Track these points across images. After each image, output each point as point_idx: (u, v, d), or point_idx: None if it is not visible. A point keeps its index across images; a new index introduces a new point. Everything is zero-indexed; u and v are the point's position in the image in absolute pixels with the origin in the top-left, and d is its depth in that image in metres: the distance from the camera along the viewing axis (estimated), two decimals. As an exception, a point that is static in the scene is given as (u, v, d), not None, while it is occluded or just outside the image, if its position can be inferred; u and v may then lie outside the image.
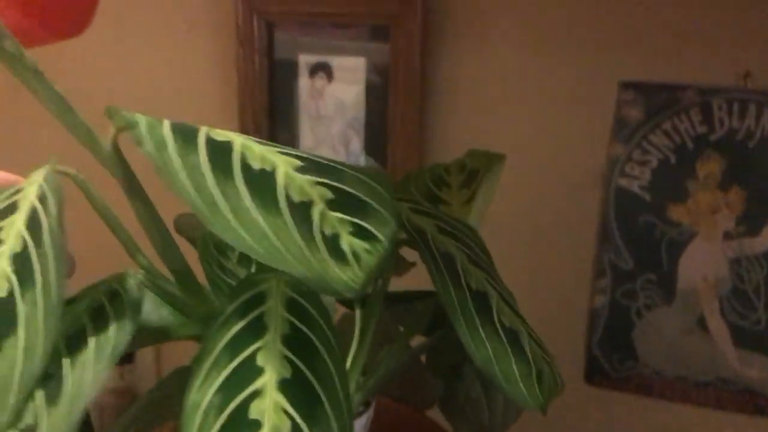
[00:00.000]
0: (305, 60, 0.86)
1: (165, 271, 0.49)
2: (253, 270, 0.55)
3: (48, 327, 0.39)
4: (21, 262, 0.40)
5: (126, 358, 1.06)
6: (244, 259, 0.55)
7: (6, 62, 0.41)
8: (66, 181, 0.47)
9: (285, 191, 0.36)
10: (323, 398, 0.38)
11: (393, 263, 0.57)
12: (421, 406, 0.66)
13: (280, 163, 0.38)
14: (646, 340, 0.82)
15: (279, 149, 0.39)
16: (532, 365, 0.43)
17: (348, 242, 0.35)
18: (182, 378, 0.49)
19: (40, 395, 0.39)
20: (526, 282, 0.84)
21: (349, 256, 0.34)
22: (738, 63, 0.74)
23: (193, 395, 0.37)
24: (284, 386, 0.37)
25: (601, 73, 0.78)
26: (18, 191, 0.44)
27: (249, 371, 0.38)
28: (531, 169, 0.82)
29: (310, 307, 0.41)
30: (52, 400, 0.39)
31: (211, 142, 0.38)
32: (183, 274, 0.48)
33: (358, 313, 0.57)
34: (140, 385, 1.10)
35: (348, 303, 0.59)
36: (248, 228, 0.35)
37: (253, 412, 0.36)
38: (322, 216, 0.36)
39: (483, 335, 0.42)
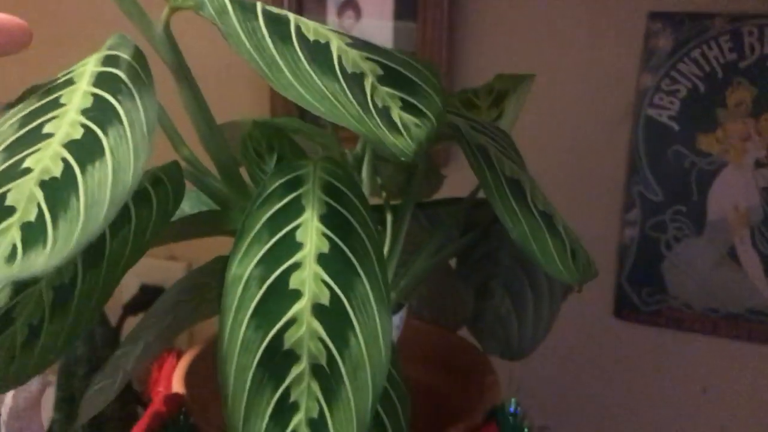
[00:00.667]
0: (333, -1, 0.87)
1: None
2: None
3: (138, 152, 0.38)
4: (97, 110, 0.39)
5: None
6: (280, 164, 0.56)
7: None
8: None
9: (339, 61, 0.38)
10: (360, 272, 0.39)
11: (424, 173, 0.58)
12: (453, 326, 0.67)
13: (333, 37, 0.40)
14: (676, 272, 0.82)
15: (330, 28, 0.41)
16: (566, 243, 0.44)
17: (398, 115, 0.37)
18: (218, 265, 0.50)
19: (78, 263, 0.41)
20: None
21: (400, 127, 0.36)
22: (769, -12, 0.73)
23: (234, 269, 0.39)
24: (323, 259, 0.38)
25: (629, 4, 0.78)
26: (70, 71, 0.45)
27: (289, 246, 0.39)
28: (560, 101, 0.82)
29: (346, 189, 0.42)
30: (92, 263, 0.41)
31: (266, 12, 0.40)
32: (227, 165, 0.50)
33: (389, 218, 0.58)
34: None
35: (379, 210, 0.60)
36: (308, 88, 0.37)
37: (293, 282, 0.38)
38: (374, 88, 0.38)
39: (519, 213, 0.43)
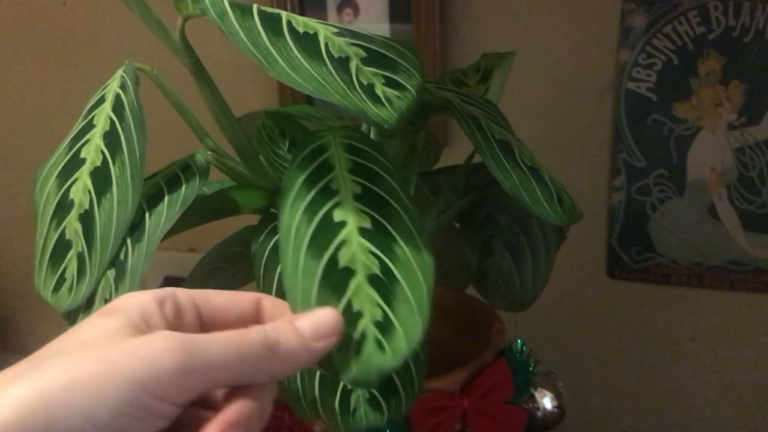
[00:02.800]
0: (333, -3, 0.94)
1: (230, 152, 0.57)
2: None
3: (134, 183, 0.49)
4: (110, 136, 0.50)
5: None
6: (292, 147, 0.63)
7: None
8: (143, 77, 0.56)
9: (326, 48, 0.45)
10: (394, 204, 0.45)
11: (423, 145, 0.65)
12: (460, 285, 0.73)
13: (320, 28, 0.47)
14: (662, 231, 0.89)
15: (318, 21, 0.48)
16: (552, 191, 0.52)
17: (381, 90, 0.43)
18: (248, 234, 0.57)
19: (128, 239, 0.49)
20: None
21: (383, 100, 0.42)
22: (731, -34, 0.80)
23: (285, 219, 0.44)
24: (358, 197, 0.44)
25: (605, -13, 0.85)
26: (106, 86, 0.54)
27: (326, 194, 0.45)
28: (546, 79, 0.89)
29: (365, 147, 0.49)
30: (137, 240, 0.49)
31: (262, 12, 0.47)
32: (245, 150, 0.57)
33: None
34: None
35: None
36: (299, 72, 0.43)
37: (337, 216, 0.43)
38: (358, 69, 0.44)
39: (509, 168, 0.50)
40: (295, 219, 0.44)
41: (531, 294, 0.68)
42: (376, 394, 0.46)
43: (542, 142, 0.91)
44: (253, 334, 0.33)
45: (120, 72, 0.54)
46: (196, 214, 0.59)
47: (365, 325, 0.40)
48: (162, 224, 0.50)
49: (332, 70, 0.43)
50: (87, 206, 0.49)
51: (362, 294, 0.41)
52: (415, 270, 0.42)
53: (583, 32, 0.87)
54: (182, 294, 0.36)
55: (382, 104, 0.42)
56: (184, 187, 0.52)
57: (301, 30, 0.46)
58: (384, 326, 0.40)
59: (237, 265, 0.59)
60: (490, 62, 0.70)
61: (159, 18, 0.52)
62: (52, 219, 0.50)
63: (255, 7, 0.47)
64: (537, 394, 0.74)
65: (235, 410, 0.32)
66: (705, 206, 0.87)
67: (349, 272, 0.41)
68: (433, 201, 0.63)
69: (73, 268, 0.49)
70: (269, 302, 0.38)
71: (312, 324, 0.35)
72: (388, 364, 0.39)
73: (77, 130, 0.52)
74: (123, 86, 0.52)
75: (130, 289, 0.48)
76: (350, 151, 0.48)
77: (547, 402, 0.74)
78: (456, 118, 0.52)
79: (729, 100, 0.83)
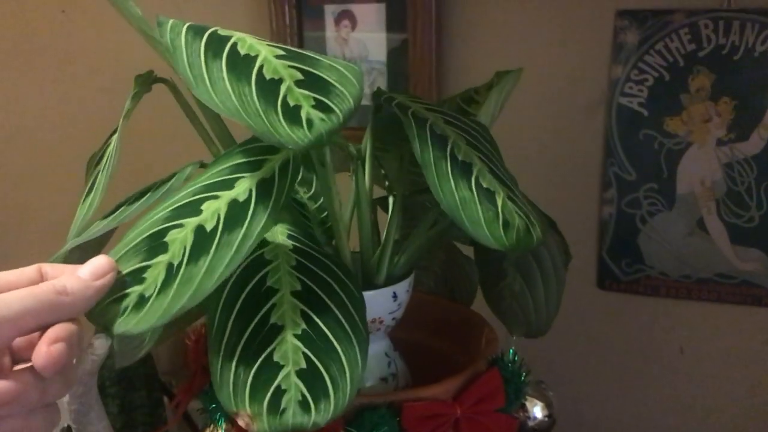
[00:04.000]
0: (331, 10, 0.95)
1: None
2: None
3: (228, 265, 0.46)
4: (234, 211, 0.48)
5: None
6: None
7: None
8: (161, 87, 0.57)
9: (258, 70, 0.46)
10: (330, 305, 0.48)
11: (409, 163, 0.66)
12: (466, 300, 0.75)
13: (264, 51, 0.48)
14: (651, 244, 0.90)
15: (272, 44, 0.49)
16: (499, 214, 0.51)
17: (306, 111, 0.43)
18: None
19: None
20: (540, 197, 0.93)
21: (303, 122, 0.43)
22: (721, -15, 0.82)
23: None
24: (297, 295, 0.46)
25: (599, 4, 0.87)
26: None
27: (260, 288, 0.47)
28: (540, 93, 0.91)
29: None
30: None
31: (213, 35, 0.49)
32: None
33: (390, 201, 0.67)
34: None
35: (383, 201, 0.68)
36: (218, 92, 0.45)
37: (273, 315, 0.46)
38: (289, 90, 0.45)
39: (453, 187, 0.51)
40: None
41: (546, 317, 0.69)
42: (308, 396, 0.45)
43: (534, 155, 0.93)
44: (43, 285, 0.40)
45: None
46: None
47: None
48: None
49: (253, 91, 0.44)
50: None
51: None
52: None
53: (576, 48, 0.88)
54: None
55: (300, 126, 0.43)
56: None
57: (243, 52, 0.47)
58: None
59: None
60: (500, 80, 0.71)
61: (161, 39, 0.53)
62: None
63: (210, 30, 0.49)
64: (528, 404, 0.75)
65: (57, 328, 0.39)
66: (694, 219, 0.88)
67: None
68: (424, 215, 0.64)
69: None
70: (50, 268, 0.43)
71: (90, 268, 0.42)
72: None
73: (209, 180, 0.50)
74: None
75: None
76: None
77: (537, 411, 0.75)
78: (410, 136, 0.52)
79: (719, 116, 0.85)
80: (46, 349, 0.38)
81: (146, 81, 0.56)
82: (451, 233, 0.70)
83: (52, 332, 0.39)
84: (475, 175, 0.52)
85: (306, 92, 0.44)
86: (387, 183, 0.69)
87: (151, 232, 0.46)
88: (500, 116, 0.71)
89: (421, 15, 0.91)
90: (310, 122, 0.43)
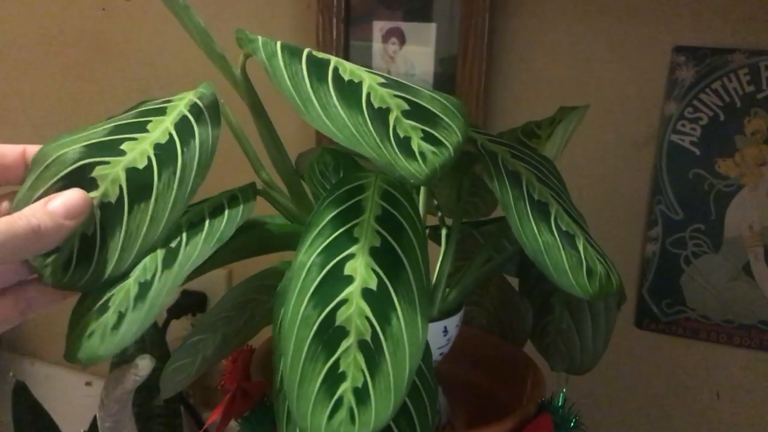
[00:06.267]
0: (379, 26, 0.94)
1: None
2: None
3: (174, 206, 0.48)
4: (164, 150, 0.48)
5: (199, 307, 1.15)
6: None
7: (165, 1, 0.50)
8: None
9: (367, 98, 0.45)
10: (406, 263, 0.46)
11: (468, 193, 0.64)
12: (519, 341, 0.73)
13: (366, 77, 0.46)
14: (694, 286, 0.88)
15: (367, 70, 0.48)
16: (583, 260, 0.50)
17: (417, 144, 0.42)
18: (262, 280, 0.57)
19: (160, 257, 0.48)
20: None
21: (417, 155, 0.42)
22: (784, 27, 0.80)
23: (300, 257, 0.46)
24: (374, 252, 0.46)
25: (655, 38, 0.85)
26: (169, 101, 0.53)
27: (346, 240, 0.46)
28: (591, 126, 0.89)
29: (400, 196, 0.49)
30: (167, 264, 0.48)
31: (310, 57, 0.47)
32: (293, 182, 0.56)
33: (443, 233, 0.65)
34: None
35: (434, 231, 0.66)
36: (333, 120, 0.43)
37: (348, 269, 0.45)
38: (397, 121, 0.44)
39: (536, 231, 0.49)
40: (310, 259, 0.45)
41: (592, 356, 0.68)
42: None
43: (582, 187, 0.91)
44: (19, 221, 0.40)
45: (192, 95, 0.52)
46: (232, 249, 0.58)
47: (345, 389, 0.42)
48: (193, 259, 0.49)
49: (368, 120, 0.43)
50: (113, 200, 0.47)
51: (350, 356, 0.43)
52: (404, 346, 0.43)
53: (630, 81, 0.87)
54: None
55: (415, 158, 0.42)
56: (225, 222, 0.51)
57: (346, 78, 0.46)
58: (361, 395, 0.42)
59: (252, 310, 0.58)
60: (563, 115, 0.70)
61: (222, 53, 0.51)
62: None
63: (306, 51, 0.47)
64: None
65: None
66: (740, 264, 0.86)
67: (342, 332, 0.43)
68: (479, 249, 0.62)
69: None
70: (32, 149, 0.45)
71: (64, 206, 0.42)
72: None
73: (122, 122, 0.50)
74: (195, 112, 0.51)
75: (146, 317, 0.47)
76: (385, 197, 0.48)
77: (578, 455, 0.73)
78: (488, 173, 0.51)
79: (773, 160, 0.83)
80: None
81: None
82: (503, 267, 0.68)
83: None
84: (553, 216, 0.51)
85: (414, 123, 0.43)
86: (439, 213, 0.67)
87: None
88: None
89: (472, 37, 0.90)
90: (423, 155, 0.41)
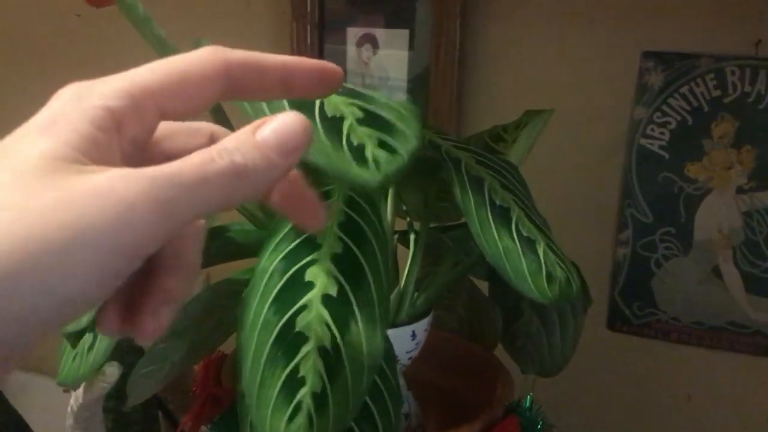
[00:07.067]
0: (353, 32, 0.94)
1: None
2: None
3: None
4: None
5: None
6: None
7: (125, 12, 0.50)
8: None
9: (320, 107, 0.45)
10: (367, 271, 0.47)
11: (435, 198, 0.65)
12: (489, 345, 0.73)
13: None
14: (665, 288, 0.89)
15: None
16: (542, 265, 0.50)
17: (371, 151, 0.42)
18: (225, 288, 0.58)
19: None
20: (554, 234, 0.92)
21: (370, 162, 0.42)
22: (749, 33, 0.81)
23: (263, 263, 0.47)
24: (335, 258, 0.46)
25: (624, 44, 0.86)
26: None
27: (308, 246, 0.47)
28: (561, 131, 0.89)
29: (364, 203, 0.49)
30: None
31: None
32: None
33: (411, 238, 0.65)
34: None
35: (403, 236, 0.67)
36: None
37: (309, 275, 0.46)
38: (352, 128, 0.44)
39: (496, 236, 0.50)
40: (272, 265, 0.46)
41: (561, 359, 0.68)
42: None
43: (552, 192, 0.92)
44: (219, 161, 0.27)
45: None
46: (210, 256, 0.58)
47: (304, 394, 0.43)
48: None
49: (320, 129, 0.43)
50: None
51: (310, 362, 0.44)
52: (362, 352, 0.44)
53: (600, 87, 0.88)
54: (143, 99, 0.30)
55: (367, 165, 0.41)
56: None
57: None
58: (319, 401, 0.43)
59: (220, 316, 0.58)
60: (529, 119, 0.70)
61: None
62: None
63: None
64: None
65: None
66: (710, 266, 0.87)
67: (302, 338, 0.44)
68: (447, 253, 0.63)
69: None
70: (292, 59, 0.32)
71: (276, 139, 0.29)
72: None
73: None
74: None
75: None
76: (349, 204, 0.49)
77: (549, 457, 0.73)
78: (450, 180, 0.51)
79: (740, 164, 0.84)
80: (152, 323, 0.29)
81: None
82: (473, 272, 0.69)
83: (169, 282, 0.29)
84: (514, 221, 0.51)
85: (369, 130, 0.43)
86: (408, 218, 0.68)
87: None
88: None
89: (444, 44, 0.90)
90: (377, 162, 0.41)
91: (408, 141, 0.43)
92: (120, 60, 1.19)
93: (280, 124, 0.29)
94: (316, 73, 0.32)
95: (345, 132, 0.43)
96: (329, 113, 0.44)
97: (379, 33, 0.94)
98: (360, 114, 0.44)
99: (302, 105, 0.44)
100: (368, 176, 0.41)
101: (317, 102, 0.45)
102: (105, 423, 0.99)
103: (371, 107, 0.45)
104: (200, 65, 0.30)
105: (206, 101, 0.30)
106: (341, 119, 0.44)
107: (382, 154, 0.42)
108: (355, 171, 0.41)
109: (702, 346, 0.89)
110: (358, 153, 0.42)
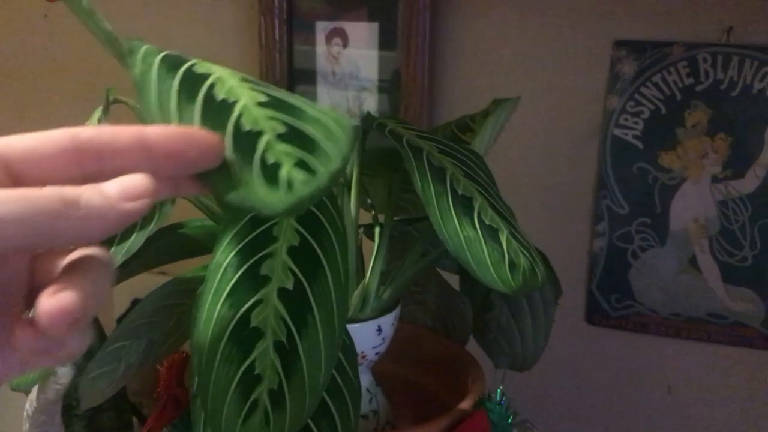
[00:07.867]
0: (322, 26, 0.93)
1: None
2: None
3: None
4: None
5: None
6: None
7: (69, 4, 0.48)
8: (124, 108, 0.54)
9: (236, 120, 0.39)
10: (324, 264, 0.45)
11: (398, 190, 0.63)
12: (461, 338, 0.72)
13: (244, 96, 0.41)
14: (642, 280, 0.88)
15: (256, 86, 0.43)
16: (505, 254, 0.49)
17: (287, 171, 0.37)
18: (181, 285, 0.56)
19: None
20: (530, 228, 0.90)
21: (283, 183, 0.36)
22: (721, 20, 0.81)
23: (217, 257, 0.45)
24: (292, 251, 0.45)
25: (596, 33, 0.85)
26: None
27: (264, 239, 0.45)
28: (534, 122, 0.88)
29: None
30: None
31: (188, 73, 0.43)
32: None
33: (377, 231, 0.64)
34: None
35: (369, 230, 0.66)
36: None
37: (264, 269, 0.44)
38: (269, 145, 0.38)
39: (457, 226, 0.48)
40: (226, 259, 0.45)
41: (533, 351, 0.67)
42: None
43: (526, 184, 0.91)
44: (46, 190, 0.28)
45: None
46: (161, 254, 0.57)
47: (261, 391, 0.42)
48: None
49: (229, 147, 0.38)
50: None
51: (266, 358, 0.43)
52: (319, 348, 0.43)
53: (572, 76, 0.87)
54: None
55: (277, 188, 0.36)
56: (134, 234, 0.51)
57: (220, 96, 0.41)
58: (276, 398, 0.42)
59: (178, 315, 0.56)
60: (495, 108, 0.69)
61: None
62: None
63: (187, 65, 0.43)
64: (513, 445, 0.72)
65: (72, 264, 0.29)
66: (686, 257, 0.86)
67: (258, 333, 0.43)
68: (413, 245, 0.62)
69: None
70: (152, 130, 0.32)
71: (119, 185, 0.30)
72: None
73: None
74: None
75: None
76: None
77: (523, 453, 0.72)
78: (410, 169, 0.50)
79: (715, 152, 0.83)
80: (50, 300, 0.27)
81: (108, 99, 0.53)
82: (440, 264, 0.67)
83: (65, 270, 0.29)
84: (476, 210, 0.50)
85: (288, 148, 0.38)
86: (373, 211, 0.67)
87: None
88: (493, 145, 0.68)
89: (414, 36, 0.89)
90: (290, 184, 0.36)
91: (331, 162, 0.38)
92: (86, 60, 1.17)
93: (128, 177, 0.31)
94: (178, 141, 0.33)
95: (260, 149, 0.38)
96: (246, 127, 0.39)
97: (349, 27, 0.92)
98: (282, 129, 0.39)
99: (215, 117, 0.40)
100: (274, 200, 0.36)
101: (234, 114, 0.40)
102: (78, 429, 0.97)
103: (296, 122, 0.40)
104: (49, 134, 0.32)
105: (58, 166, 0.31)
106: (258, 134, 0.39)
107: (298, 175, 0.37)
108: (256, 195, 0.36)
109: (681, 338, 0.88)
110: (271, 173, 0.37)
